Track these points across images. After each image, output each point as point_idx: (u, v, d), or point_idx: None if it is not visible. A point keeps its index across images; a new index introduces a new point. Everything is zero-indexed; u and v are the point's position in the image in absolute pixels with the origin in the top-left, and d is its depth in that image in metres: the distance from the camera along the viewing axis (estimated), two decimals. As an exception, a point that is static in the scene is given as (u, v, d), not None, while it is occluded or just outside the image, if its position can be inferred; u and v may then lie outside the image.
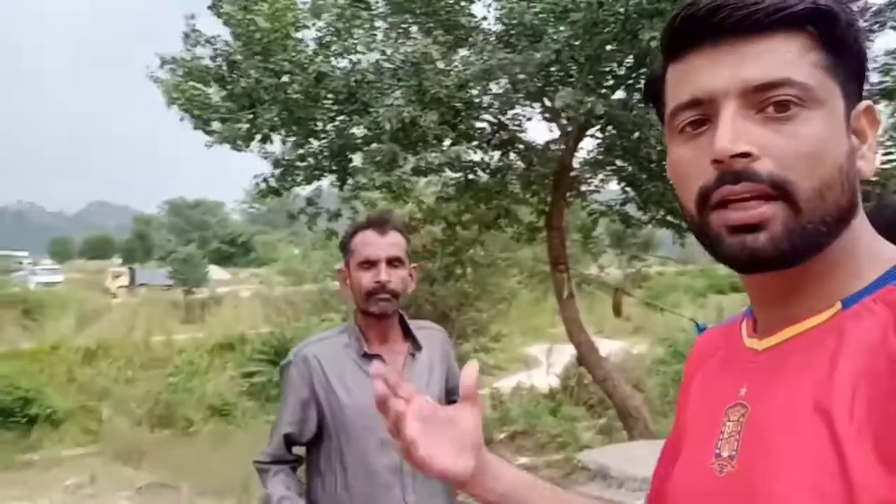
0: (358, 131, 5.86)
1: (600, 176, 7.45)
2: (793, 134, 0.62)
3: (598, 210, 7.81)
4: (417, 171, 5.58)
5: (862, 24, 0.88)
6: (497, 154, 6.83)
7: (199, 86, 5.77)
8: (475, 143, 6.01)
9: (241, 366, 19.89)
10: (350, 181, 6.35)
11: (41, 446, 15.26)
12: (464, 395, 0.78)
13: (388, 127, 4.79)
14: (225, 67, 5.61)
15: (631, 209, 7.60)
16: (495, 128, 6.59)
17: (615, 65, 5.99)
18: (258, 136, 6.14)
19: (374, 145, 5.42)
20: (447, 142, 5.78)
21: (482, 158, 6.56)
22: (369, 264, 1.96)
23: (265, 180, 6.54)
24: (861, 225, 0.67)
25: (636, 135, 5.97)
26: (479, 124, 6.48)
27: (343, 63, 5.62)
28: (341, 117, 5.81)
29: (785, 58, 0.63)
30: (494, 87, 6.14)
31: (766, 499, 0.61)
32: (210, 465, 12.78)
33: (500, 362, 19.06)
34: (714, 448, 0.69)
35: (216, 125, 5.68)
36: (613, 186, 7.88)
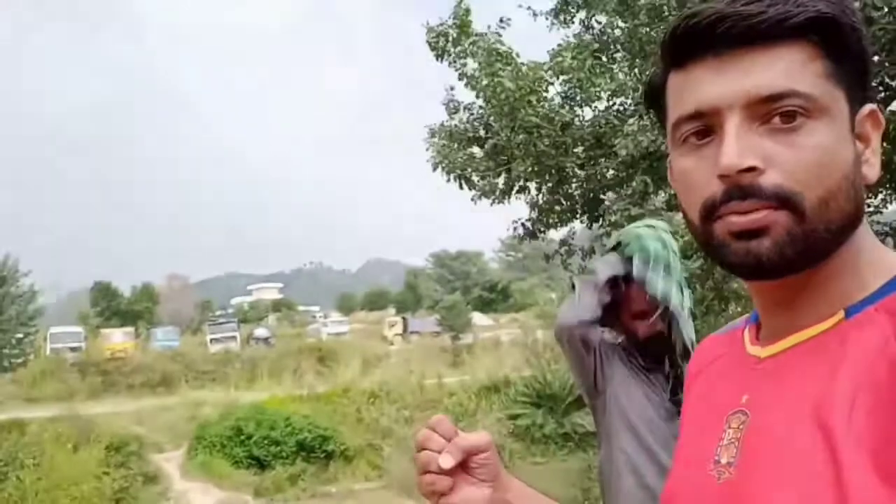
0: (608, 173, 6.03)
1: (881, 196, 6.76)
2: (799, 145, 0.61)
3: (881, 232, 7.07)
4: (671, 206, 5.58)
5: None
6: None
7: (457, 148, 6.39)
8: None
9: (506, 408, 20.51)
10: (600, 220, 6.52)
11: (336, 479, 17.01)
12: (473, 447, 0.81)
13: (624, 153, 4.89)
14: (481, 130, 6.18)
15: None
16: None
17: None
18: (515, 188, 6.61)
19: (625, 185, 5.56)
20: None
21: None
22: (643, 315, 2.13)
23: (523, 224, 6.94)
24: (864, 232, 0.66)
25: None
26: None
27: (588, 113, 5.88)
28: (591, 163, 6.03)
29: (789, 68, 0.61)
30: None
31: None
32: None
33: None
34: (713, 454, 0.68)
35: (476, 180, 6.24)
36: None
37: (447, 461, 0.77)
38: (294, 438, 17.52)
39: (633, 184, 5.17)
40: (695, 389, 0.80)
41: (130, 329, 32.75)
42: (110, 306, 40.01)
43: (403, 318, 39.57)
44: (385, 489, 15.01)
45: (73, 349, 28.36)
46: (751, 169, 0.61)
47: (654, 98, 0.71)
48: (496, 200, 6.62)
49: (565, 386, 18.80)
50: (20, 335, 23.06)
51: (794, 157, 0.61)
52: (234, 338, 32.54)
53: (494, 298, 47.87)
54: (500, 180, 6.43)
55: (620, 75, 6.01)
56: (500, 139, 5.77)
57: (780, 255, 0.62)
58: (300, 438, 17.50)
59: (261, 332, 35.67)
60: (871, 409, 0.56)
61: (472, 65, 5.97)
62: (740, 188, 0.61)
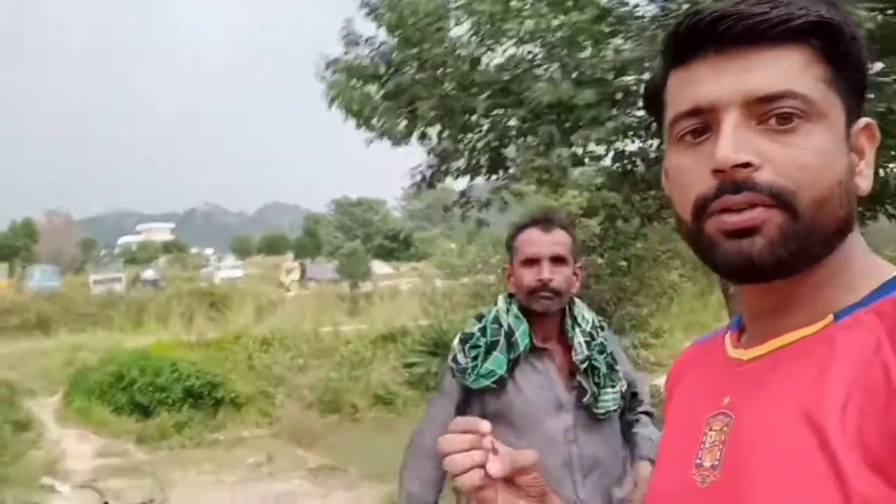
0: (513, 122, 5.87)
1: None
2: (794, 145, 0.61)
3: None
4: (576, 162, 5.49)
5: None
6: (656, 143, 6.57)
7: (358, 85, 6.03)
8: (632, 132, 5.80)
9: (403, 356, 20.61)
10: (501, 172, 6.38)
11: (225, 427, 16.63)
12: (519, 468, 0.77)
13: (543, 102, 4.73)
14: (383, 67, 5.84)
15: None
16: (647, 117, 6.35)
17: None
18: (415, 134, 6.33)
19: (528, 137, 5.41)
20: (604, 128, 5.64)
21: (640, 147, 6.33)
22: (532, 262, 1.96)
23: (421, 173, 6.71)
24: (855, 239, 0.67)
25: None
26: (638, 112, 6.26)
27: (495, 58, 5.66)
28: (496, 110, 5.84)
29: (788, 70, 0.62)
30: (649, 75, 5.93)
31: None
32: (375, 450, 13.32)
33: (661, 358, 18.34)
34: (695, 458, 0.68)
35: (376, 122, 5.93)
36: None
37: (495, 468, 0.74)
38: (181, 385, 16.99)
39: (539, 134, 5.04)
40: (676, 395, 0.81)
41: (3, 265, 30.62)
42: (-19, 242, 37.23)
43: (301, 265, 39.08)
44: (275, 437, 14.83)
45: (-65, 287, 26.26)
46: (746, 165, 0.61)
47: (653, 97, 0.72)
48: (396, 144, 6.34)
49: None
50: None
51: (789, 157, 0.61)
52: (119, 279, 31.11)
53: (396, 248, 47.90)
54: (401, 123, 6.14)
55: (529, 22, 5.81)
56: (404, 77, 5.47)
57: (772, 255, 0.62)
58: (187, 385, 17.00)
59: (149, 273, 34.18)
60: (865, 410, 0.56)
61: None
62: (734, 183, 0.62)
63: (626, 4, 5.71)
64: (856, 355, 0.59)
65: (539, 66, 5.37)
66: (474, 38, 5.57)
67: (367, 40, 5.85)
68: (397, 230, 50.48)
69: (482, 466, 0.74)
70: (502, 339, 1.96)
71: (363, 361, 20.20)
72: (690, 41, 0.65)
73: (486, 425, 0.76)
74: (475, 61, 5.36)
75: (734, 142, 0.61)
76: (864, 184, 0.66)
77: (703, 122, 0.64)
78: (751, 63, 0.62)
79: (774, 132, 0.62)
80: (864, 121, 0.67)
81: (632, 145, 6.25)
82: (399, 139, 6.14)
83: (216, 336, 21.27)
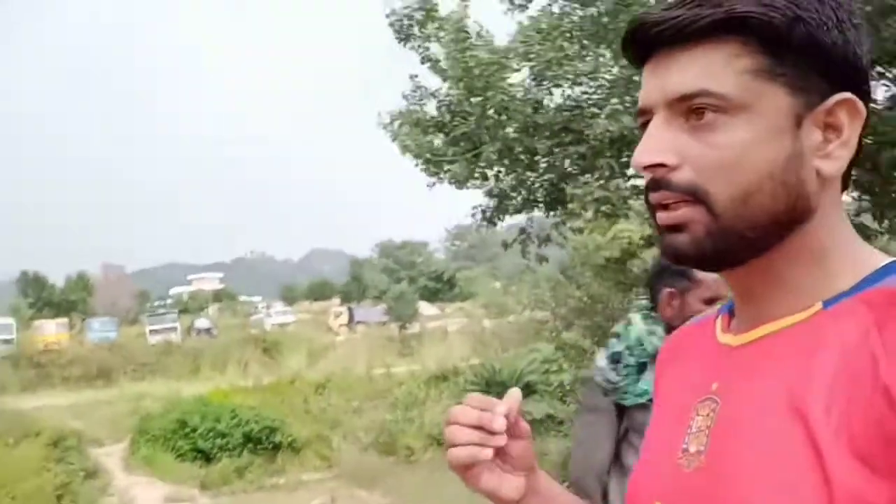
0: (571, 160, 6.07)
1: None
2: (711, 143, 0.63)
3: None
4: (635, 192, 5.65)
5: (833, 14, 0.62)
6: None
7: (421, 134, 6.35)
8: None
9: (456, 396, 20.61)
10: (560, 208, 6.55)
11: (284, 470, 16.79)
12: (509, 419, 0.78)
13: (599, 132, 4.91)
14: (447, 116, 6.14)
15: (866, 219, 7.02)
16: None
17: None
18: (474, 176, 6.59)
19: (587, 174, 5.61)
20: None
21: None
22: (712, 301, 1.98)
23: (483, 211, 6.94)
24: (832, 226, 0.66)
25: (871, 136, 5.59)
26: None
27: (555, 99, 5.90)
28: (557, 149, 6.07)
29: (707, 68, 0.63)
30: None
31: (735, 493, 0.60)
32: (433, 491, 13.34)
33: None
34: (681, 443, 0.68)
35: (444, 167, 6.21)
36: (844, 197, 7.35)
37: (500, 423, 0.75)
38: (240, 430, 17.22)
39: (599, 167, 5.22)
40: (664, 379, 0.81)
41: (64, 320, 31.61)
42: (41, 297, 38.51)
43: (349, 309, 39.37)
44: (335, 479, 14.91)
45: (4, 341, 27.23)
46: (662, 165, 0.64)
47: None
48: (458, 187, 6.60)
49: (514, 373, 18.98)
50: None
51: (705, 155, 0.63)
52: (174, 329, 31.76)
53: (440, 288, 48.07)
54: (460, 167, 6.41)
55: (579, 64, 6.05)
56: (469, 124, 5.74)
57: (696, 251, 0.64)
58: (246, 430, 17.22)
59: (202, 322, 34.88)
60: (851, 398, 0.57)
61: (437, 49, 5.94)
62: (654, 181, 0.65)
63: None
64: (843, 344, 0.59)
65: (597, 105, 5.59)
66: (533, 82, 5.83)
67: (432, 93, 6.18)
68: (441, 271, 50.73)
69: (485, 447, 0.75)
70: (649, 363, 2.06)
71: (416, 402, 20.24)
72: (633, 48, 0.68)
73: (502, 408, 0.76)
74: (538, 104, 5.60)
75: (650, 143, 0.64)
76: (830, 166, 0.64)
77: (647, 121, 0.67)
78: (673, 65, 0.64)
79: (696, 129, 0.63)
80: (837, 96, 0.63)
81: None
82: (462, 181, 6.39)
83: (271, 381, 21.60)
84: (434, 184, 6.65)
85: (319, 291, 53.32)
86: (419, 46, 6.06)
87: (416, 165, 6.13)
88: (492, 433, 0.75)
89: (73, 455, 14.74)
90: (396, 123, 6.36)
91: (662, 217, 0.65)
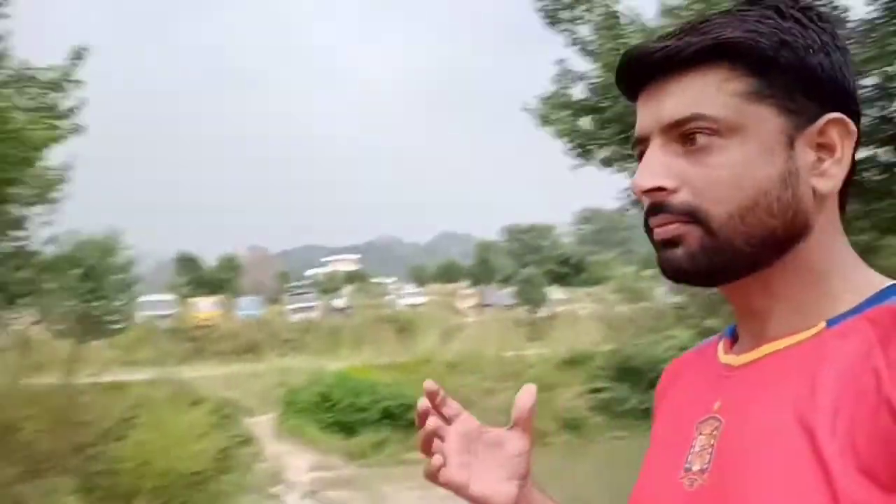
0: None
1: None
2: (708, 164, 0.64)
3: None
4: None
5: (818, 38, 0.66)
6: (881, 150, 6.23)
7: (571, 118, 6.33)
8: (863, 139, 5.59)
9: (588, 382, 20.47)
10: None
11: (420, 447, 17.35)
12: (516, 418, 0.78)
13: None
14: (597, 98, 6.09)
15: None
16: (876, 121, 6.03)
17: None
18: (618, 158, 6.50)
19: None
20: None
21: (868, 155, 6.05)
22: None
23: (629, 193, 6.84)
24: (834, 246, 0.67)
25: None
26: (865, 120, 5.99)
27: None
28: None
29: (697, 94, 0.64)
30: (868, 80, 5.65)
31: None
32: (567, 474, 13.35)
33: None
34: (683, 462, 0.68)
35: (592, 150, 6.17)
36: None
37: (421, 402, 0.78)
38: (379, 406, 17.93)
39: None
40: (664, 404, 0.81)
41: (216, 298, 33.99)
42: (195, 276, 41.53)
43: (478, 291, 39.74)
44: (471, 458, 15.17)
45: (163, 317, 29.70)
46: (661, 189, 0.65)
47: None
48: (605, 166, 6.54)
49: (648, 361, 18.56)
50: (119, 303, 24.32)
51: (702, 176, 0.64)
52: (313, 307, 33.45)
53: (567, 272, 47.48)
54: (607, 151, 6.34)
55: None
56: (620, 105, 5.67)
57: (691, 265, 0.65)
58: (384, 406, 17.90)
59: (339, 302, 36.52)
60: (855, 415, 0.57)
61: (585, 31, 5.89)
62: (654, 205, 0.66)
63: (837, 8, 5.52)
64: (847, 360, 0.60)
65: None
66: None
67: (581, 76, 6.15)
68: (568, 255, 50.11)
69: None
70: None
71: (548, 385, 20.24)
72: (625, 80, 0.70)
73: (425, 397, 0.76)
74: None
75: (648, 169, 0.66)
76: (825, 184, 0.65)
77: (645, 148, 0.69)
78: (665, 93, 0.66)
79: (691, 153, 0.64)
80: (828, 116, 0.65)
81: (860, 153, 5.98)
82: (611, 164, 6.33)
83: (406, 359, 22.31)
84: (579, 166, 6.62)
85: (447, 274, 54.12)
86: (567, 29, 6.03)
87: (567, 147, 6.13)
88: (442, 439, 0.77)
89: (230, 423, 15.93)
90: (545, 107, 6.37)
91: (659, 232, 0.67)
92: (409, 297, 38.97)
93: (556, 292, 38.69)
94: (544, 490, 0.81)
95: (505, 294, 37.96)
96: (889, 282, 0.66)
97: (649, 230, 0.68)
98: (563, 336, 25.69)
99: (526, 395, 0.79)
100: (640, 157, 0.69)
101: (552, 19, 6.11)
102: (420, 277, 54.82)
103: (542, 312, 32.96)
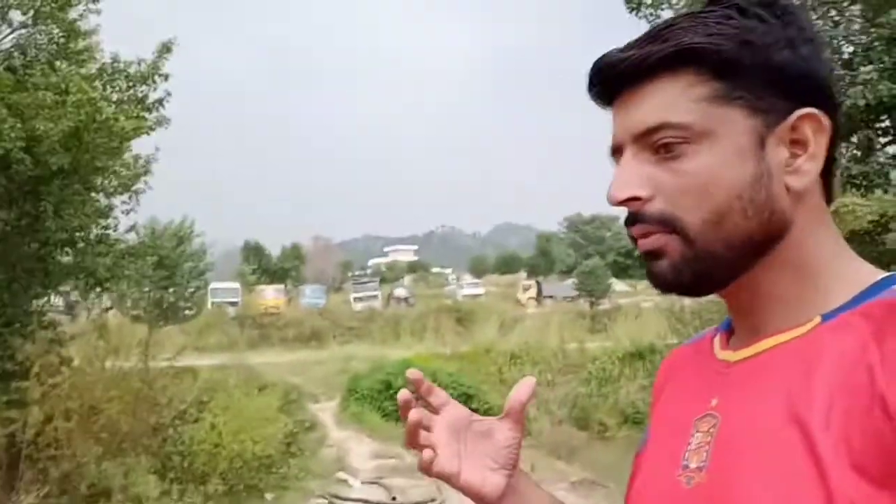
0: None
1: None
2: (678, 172, 0.64)
3: None
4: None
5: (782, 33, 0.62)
6: None
7: None
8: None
9: (651, 375, 20.09)
10: None
11: (481, 437, 17.41)
12: (508, 409, 0.77)
13: (860, 104, 4.48)
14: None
15: None
16: None
17: None
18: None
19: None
20: None
21: None
22: None
23: None
24: (819, 240, 0.66)
25: None
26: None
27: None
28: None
29: (664, 101, 0.64)
30: None
31: None
32: (628, 471, 13.19)
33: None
34: (681, 460, 0.67)
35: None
36: None
37: (402, 392, 0.78)
38: (440, 395, 18.05)
39: (855, 139, 4.78)
40: (661, 400, 0.80)
41: (281, 286, 34.79)
42: (260, 265, 42.56)
43: (538, 282, 39.55)
44: (533, 448, 15.16)
45: (231, 304, 30.55)
46: (636, 199, 0.65)
47: None
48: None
49: (715, 355, 18.13)
50: (191, 290, 25.13)
51: (674, 184, 0.64)
52: (376, 297, 33.89)
53: (630, 264, 46.74)
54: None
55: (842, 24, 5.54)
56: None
57: (676, 277, 0.66)
58: (446, 395, 18.02)
59: (400, 291, 36.85)
60: (849, 411, 0.56)
61: (669, 15, 5.75)
62: (631, 214, 0.67)
63: None
64: (842, 357, 0.59)
65: (859, 66, 5.10)
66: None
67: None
68: (632, 247, 49.34)
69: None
70: None
71: (610, 379, 20.03)
72: (597, 90, 0.70)
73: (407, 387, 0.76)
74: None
75: (621, 179, 0.66)
76: (798, 181, 0.65)
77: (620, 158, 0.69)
78: (632, 103, 0.66)
79: (664, 161, 0.64)
80: (799, 112, 0.64)
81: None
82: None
83: (467, 349, 22.39)
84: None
85: (507, 265, 54.10)
86: (651, 14, 5.90)
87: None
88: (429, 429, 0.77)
89: (296, 408, 16.29)
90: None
91: (642, 244, 0.67)
92: (469, 287, 39.01)
93: (618, 285, 38.15)
94: (539, 486, 0.82)
95: (566, 286, 37.64)
96: (881, 274, 0.66)
97: (633, 239, 0.69)
98: (626, 329, 25.31)
99: (524, 387, 0.79)
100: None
101: (635, 3, 5.99)
102: (479, 268, 54.88)
103: (604, 305, 32.55)
